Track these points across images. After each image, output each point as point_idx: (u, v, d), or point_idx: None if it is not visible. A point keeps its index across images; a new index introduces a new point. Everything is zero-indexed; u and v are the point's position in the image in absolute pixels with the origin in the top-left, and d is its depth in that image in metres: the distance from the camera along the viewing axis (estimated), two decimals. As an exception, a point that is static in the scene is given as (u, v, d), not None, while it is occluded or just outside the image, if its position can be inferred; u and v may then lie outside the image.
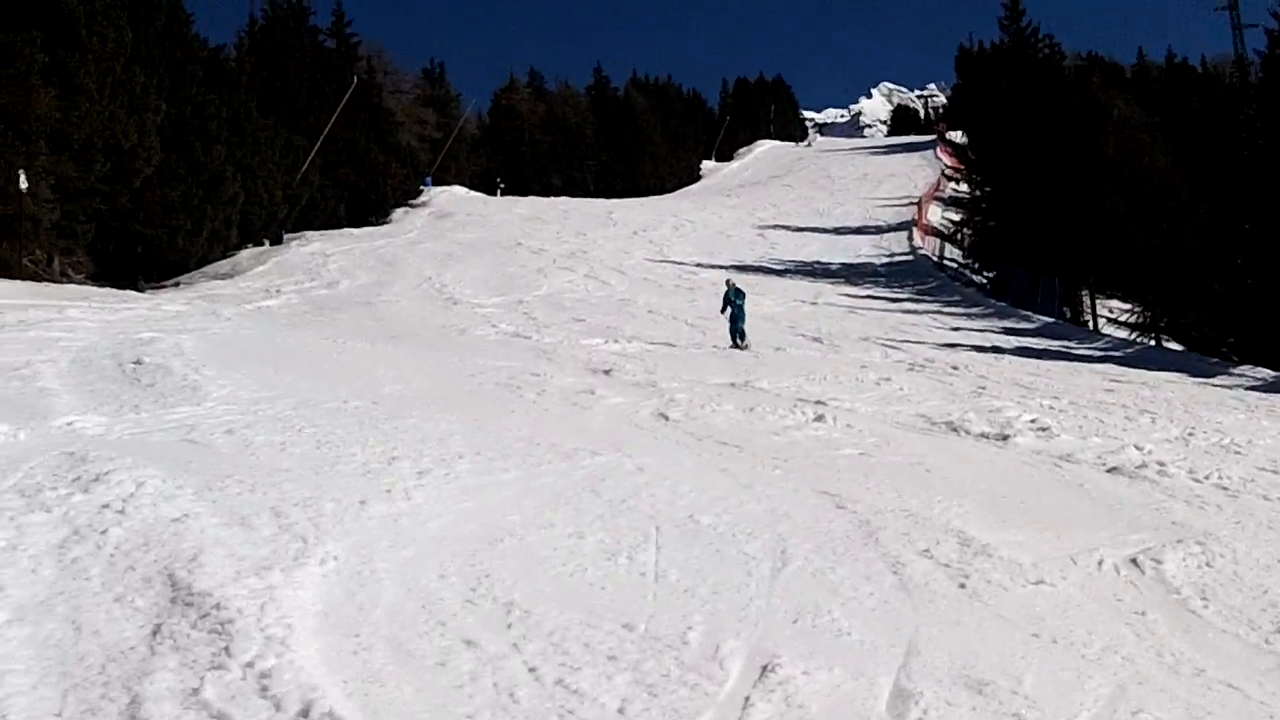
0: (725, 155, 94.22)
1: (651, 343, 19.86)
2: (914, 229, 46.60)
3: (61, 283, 27.05)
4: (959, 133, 54.89)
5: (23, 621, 4.75)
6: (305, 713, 4.12)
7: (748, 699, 4.54)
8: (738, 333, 21.01)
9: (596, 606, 5.42)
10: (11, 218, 25.55)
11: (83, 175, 28.48)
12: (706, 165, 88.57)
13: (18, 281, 24.14)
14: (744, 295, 21.73)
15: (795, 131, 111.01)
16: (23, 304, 17.52)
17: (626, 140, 77.16)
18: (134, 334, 14.72)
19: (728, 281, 22.55)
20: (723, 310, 21.75)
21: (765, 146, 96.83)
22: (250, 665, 4.45)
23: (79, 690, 4.26)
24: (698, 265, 36.25)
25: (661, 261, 37.27)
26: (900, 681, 4.79)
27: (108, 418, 9.20)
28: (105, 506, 6.36)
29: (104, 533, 5.96)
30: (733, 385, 14.40)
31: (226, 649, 4.57)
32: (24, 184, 24.81)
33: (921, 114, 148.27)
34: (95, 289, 26.37)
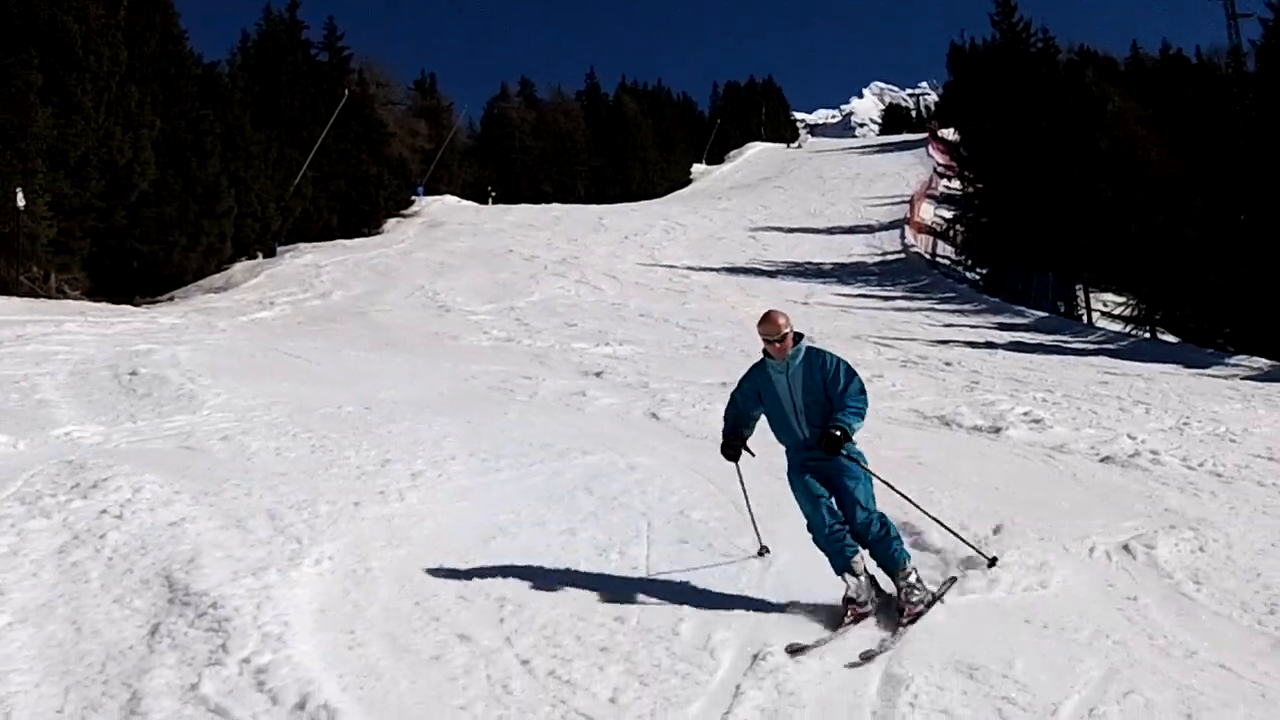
0: (716, 158, 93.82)
1: (643, 345, 19.83)
2: (906, 227, 46.52)
3: (58, 299, 27.06)
4: (951, 130, 54.81)
5: (25, 624, 4.83)
6: (302, 705, 4.18)
7: (738, 687, 4.58)
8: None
9: (589, 601, 5.45)
10: (9, 235, 25.58)
11: (79, 192, 28.46)
12: (697, 169, 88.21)
13: (15, 299, 24.14)
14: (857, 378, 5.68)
15: (786, 133, 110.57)
16: (20, 320, 17.51)
17: (618, 145, 77.06)
18: (130, 347, 14.69)
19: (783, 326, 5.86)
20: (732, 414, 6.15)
21: (756, 149, 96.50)
22: (247, 661, 4.50)
23: (80, 688, 4.33)
24: (689, 268, 36.24)
25: (653, 266, 37.22)
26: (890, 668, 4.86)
27: (105, 427, 9.27)
28: (103, 512, 6.43)
29: (102, 537, 6.03)
30: (724, 385, 14.40)
31: (224, 646, 4.63)
32: (21, 201, 24.81)
33: (914, 112, 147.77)
34: (91, 304, 26.31)
